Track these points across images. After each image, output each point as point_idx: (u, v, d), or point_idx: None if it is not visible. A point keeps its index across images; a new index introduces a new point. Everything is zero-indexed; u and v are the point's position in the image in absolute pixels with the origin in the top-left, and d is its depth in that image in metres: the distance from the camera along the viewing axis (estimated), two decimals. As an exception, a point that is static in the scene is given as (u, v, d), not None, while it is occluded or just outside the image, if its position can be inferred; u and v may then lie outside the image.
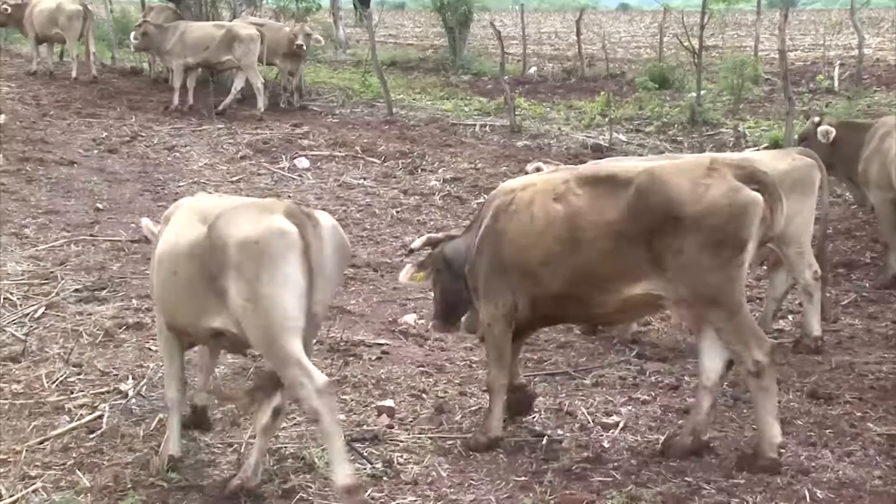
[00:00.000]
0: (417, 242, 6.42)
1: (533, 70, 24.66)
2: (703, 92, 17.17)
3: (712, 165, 5.23)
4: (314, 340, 5.20)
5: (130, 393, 6.35)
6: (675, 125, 16.31)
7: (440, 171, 13.42)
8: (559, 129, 16.48)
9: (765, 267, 9.43)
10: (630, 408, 6.39)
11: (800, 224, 7.02)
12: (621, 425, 6.09)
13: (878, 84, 20.90)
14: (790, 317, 8.31)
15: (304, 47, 17.84)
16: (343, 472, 4.82)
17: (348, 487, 4.81)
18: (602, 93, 18.05)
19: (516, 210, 5.63)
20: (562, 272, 5.45)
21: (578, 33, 24.63)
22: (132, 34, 18.01)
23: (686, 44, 17.70)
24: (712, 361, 5.50)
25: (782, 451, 5.51)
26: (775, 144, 13.16)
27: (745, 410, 6.33)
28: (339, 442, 4.85)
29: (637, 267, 5.28)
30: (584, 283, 5.43)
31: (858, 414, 6.30)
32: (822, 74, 20.57)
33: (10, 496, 5.11)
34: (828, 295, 8.61)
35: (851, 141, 8.86)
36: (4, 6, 19.73)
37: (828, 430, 6.03)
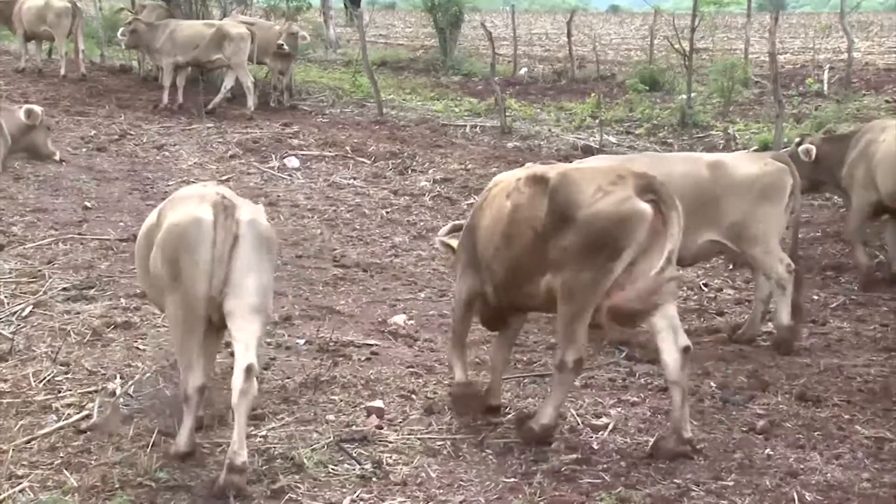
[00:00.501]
0: (444, 230, 6.90)
1: (523, 71, 24.70)
2: (693, 94, 17.21)
3: (621, 173, 5.48)
4: (254, 328, 5.26)
5: (118, 392, 6.31)
6: (666, 127, 16.36)
7: (430, 171, 13.42)
8: (549, 130, 16.51)
9: (730, 267, 9.57)
10: (619, 409, 6.38)
11: (766, 226, 7.26)
12: (610, 427, 6.09)
13: (867, 88, 21.00)
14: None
15: (285, 47, 17.80)
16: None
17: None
18: (592, 94, 18.09)
19: (485, 206, 6.01)
20: (504, 264, 5.79)
21: (569, 35, 24.70)
22: (120, 31, 17.96)
23: (677, 46, 17.75)
24: (669, 355, 5.58)
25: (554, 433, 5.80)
26: (765, 147, 13.21)
27: (734, 412, 6.34)
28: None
29: (548, 260, 5.54)
30: (519, 275, 5.74)
31: (847, 416, 6.31)
32: (812, 78, 20.66)
33: (-3, 495, 5.08)
34: (815, 298, 8.69)
35: (835, 154, 9.13)
36: None
37: (816, 433, 6.04)
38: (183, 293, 5.25)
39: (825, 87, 20.12)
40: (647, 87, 19.38)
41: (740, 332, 7.82)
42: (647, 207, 5.34)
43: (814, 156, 9.09)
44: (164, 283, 5.34)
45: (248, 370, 5.12)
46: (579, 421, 6.18)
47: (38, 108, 9.73)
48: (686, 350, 5.56)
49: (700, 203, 7.11)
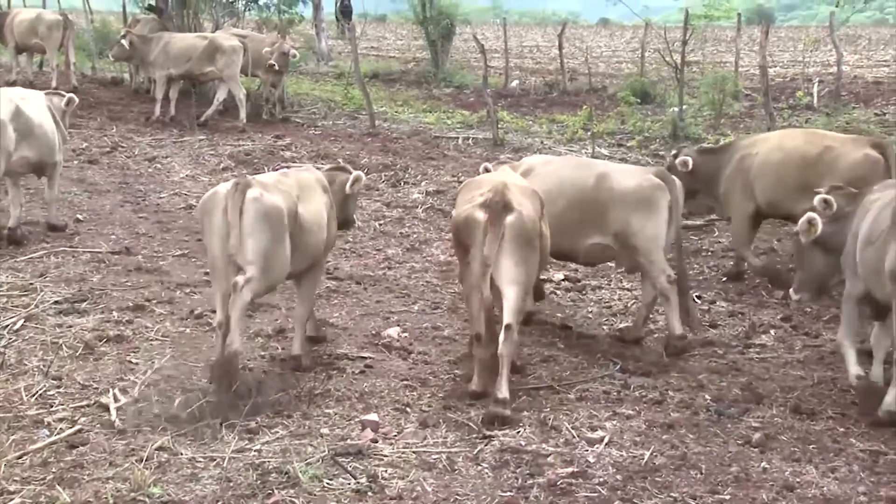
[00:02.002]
0: None
1: (515, 83, 24.76)
2: (684, 107, 17.25)
3: (490, 190, 6.62)
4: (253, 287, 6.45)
5: (112, 406, 6.28)
6: (657, 139, 16.39)
7: (423, 183, 13.41)
8: (542, 142, 16.53)
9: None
10: (615, 422, 6.37)
11: (645, 238, 7.66)
12: (606, 440, 6.07)
13: (856, 101, 21.12)
14: (772, 331, 8.32)
15: (277, 66, 17.82)
16: None
17: None
18: (584, 107, 18.10)
19: None
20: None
21: (560, 47, 24.75)
22: (115, 45, 17.98)
23: (668, 59, 17.79)
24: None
25: None
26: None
27: (729, 425, 6.34)
28: None
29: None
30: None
31: (841, 429, 6.31)
32: (802, 91, 20.72)
33: (-11, 511, 5.05)
34: (808, 310, 8.67)
35: (710, 165, 9.66)
36: None
37: (811, 446, 6.04)
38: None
39: (815, 100, 20.21)
40: (639, 100, 19.41)
41: (625, 331, 8.18)
42: (478, 214, 6.51)
43: (690, 167, 9.43)
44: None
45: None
46: (575, 434, 6.16)
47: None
48: (507, 328, 6.43)
49: (584, 208, 7.75)
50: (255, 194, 6.50)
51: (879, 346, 6.91)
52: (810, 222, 6.91)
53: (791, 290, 7.38)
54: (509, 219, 6.49)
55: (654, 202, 7.67)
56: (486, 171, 8.18)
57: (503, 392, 6.37)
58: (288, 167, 9.78)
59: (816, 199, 7.02)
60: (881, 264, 6.22)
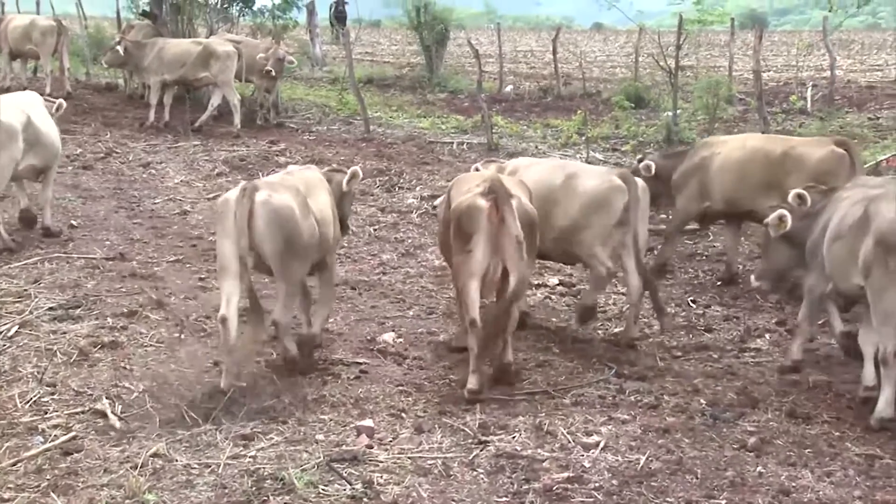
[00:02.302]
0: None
1: (509, 88, 24.77)
2: (678, 111, 17.27)
3: (484, 181, 6.89)
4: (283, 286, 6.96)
5: (109, 414, 6.27)
6: (651, 144, 16.41)
7: (418, 188, 13.41)
8: (536, 147, 16.54)
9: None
10: (610, 427, 6.36)
11: (591, 234, 7.94)
12: (602, 445, 6.06)
13: (849, 105, 21.14)
14: (767, 335, 8.33)
15: (273, 73, 17.82)
16: None
17: None
18: (578, 111, 18.11)
19: None
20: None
21: (555, 52, 24.77)
22: (107, 52, 17.98)
23: (662, 64, 17.81)
24: None
25: None
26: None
27: (724, 429, 6.34)
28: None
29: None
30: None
31: (837, 434, 6.31)
32: (796, 95, 20.76)
33: (-17, 519, 5.03)
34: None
35: (672, 169, 9.95)
36: None
37: (807, 450, 6.04)
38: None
39: (808, 105, 20.23)
40: (633, 104, 19.43)
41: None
42: (481, 203, 6.72)
43: (653, 171, 9.75)
44: None
45: None
46: (570, 439, 6.15)
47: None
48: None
49: (550, 206, 7.91)
50: (264, 197, 6.71)
51: (867, 344, 6.91)
52: (781, 218, 7.24)
53: (752, 276, 7.88)
54: (512, 203, 6.74)
55: (608, 202, 7.93)
56: (477, 171, 8.42)
57: (509, 356, 7.07)
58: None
59: (791, 194, 7.39)
60: (849, 258, 6.46)
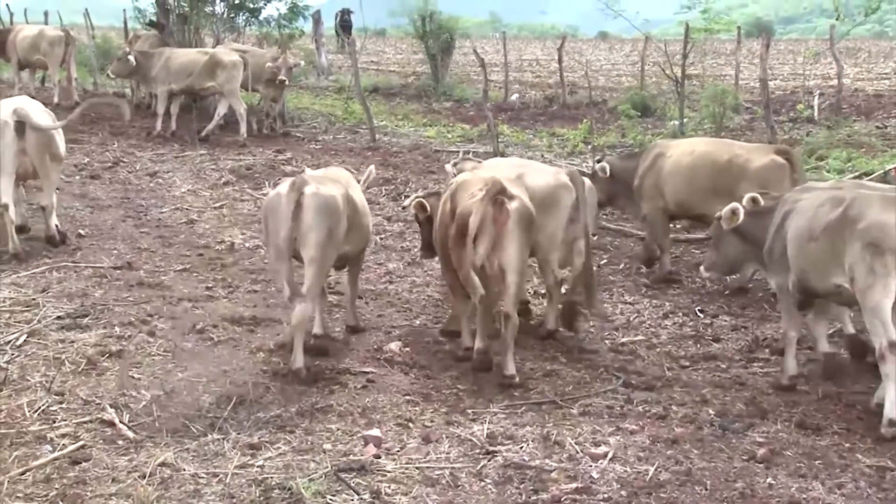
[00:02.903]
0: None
1: (515, 97, 24.79)
2: (685, 120, 17.26)
3: (488, 181, 7.26)
4: (315, 269, 7.36)
5: (117, 422, 6.26)
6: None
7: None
8: (542, 155, 16.52)
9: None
10: (618, 437, 6.34)
11: (545, 235, 8.08)
12: (610, 455, 6.03)
13: (857, 114, 21.12)
14: (775, 345, 8.29)
15: (287, 82, 17.87)
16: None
17: None
18: (584, 120, 18.11)
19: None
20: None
21: (560, 61, 24.77)
22: (117, 61, 18.05)
23: (668, 72, 17.80)
24: None
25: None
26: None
27: (733, 440, 6.31)
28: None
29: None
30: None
31: (847, 445, 6.27)
32: (803, 103, 20.74)
33: (-9, 528, 5.03)
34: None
35: (627, 170, 10.32)
36: None
37: (817, 462, 6.00)
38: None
39: (815, 113, 20.22)
40: (639, 113, 19.41)
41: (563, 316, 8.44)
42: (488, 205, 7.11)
43: (609, 172, 10.17)
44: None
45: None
46: (578, 449, 6.13)
47: None
48: (507, 317, 7.37)
49: None
50: (313, 189, 7.30)
51: (819, 326, 7.58)
52: (734, 211, 7.71)
53: (702, 267, 8.39)
54: (514, 205, 7.19)
55: (556, 200, 8.17)
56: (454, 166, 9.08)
57: (510, 369, 7.30)
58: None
59: (746, 198, 7.85)
60: (828, 259, 6.67)
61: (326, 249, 7.39)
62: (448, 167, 9.35)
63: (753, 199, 7.78)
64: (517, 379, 7.21)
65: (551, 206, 8.09)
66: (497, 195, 7.15)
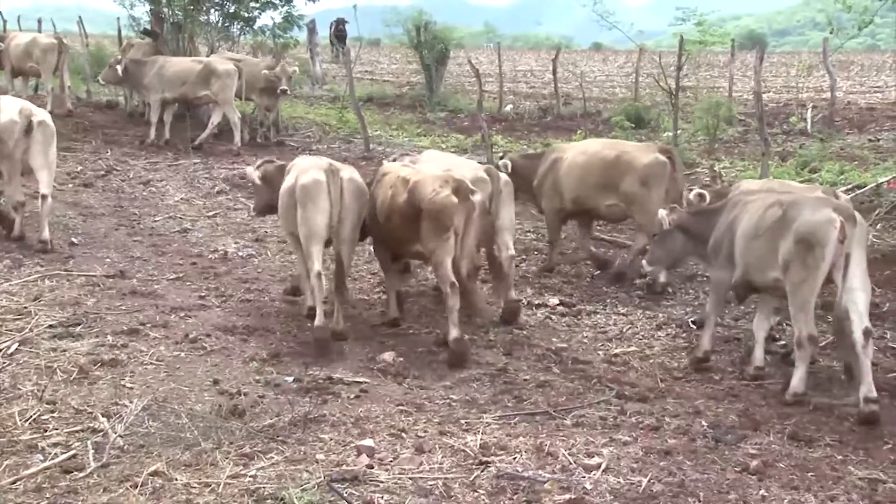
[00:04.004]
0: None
1: (509, 108, 24.81)
2: (678, 131, 17.28)
3: (448, 178, 8.11)
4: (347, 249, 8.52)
5: (109, 432, 6.23)
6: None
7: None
8: (536, 166, 16.50)
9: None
10: (611, 449, 6.33)
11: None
12: (603, 466, 6.02)
13: (850, 126, 21.17)
14: (768, 357, 8.29)
15: (288, 92, 17.91)
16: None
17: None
18: (578, 131, 18.12)
19: (377, 189, 8.76)
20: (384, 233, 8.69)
21: (555, 71, 24.81)
22: (105, 71, 18.04)
23: (662, 84, 17.83)
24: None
25: None
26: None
27: (726, 452, 6.31)
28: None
29: (415, 233, 8.19)
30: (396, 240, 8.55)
31: (839, 457, 6.29)
32: (796, 116, 20.80)
33: (-18, 537, 5.00)
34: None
35: (528, 167, 11.07)
36: None
37: (810, 474, 6.01)
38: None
39: (809, 126, 20.27)
40: (633, 124, 19.46)
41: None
42: (453, 198, 7.96)
43: (510, 168, 10.66)
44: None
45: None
46: (571, 461, 6.12)
47: None
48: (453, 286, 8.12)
49: None
50: (349, 174, 8.47)
51: (760, 329, 7.99)
52: (700, 196, 8.68)
53: (644, 261, 9.07)
54: (477, 198, 8.25)
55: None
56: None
57: (455, 333, 8.02)
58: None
59: (692, 194, 8.95)
60: (768, 254, 7.34)
61: (357, 228, 8.52)
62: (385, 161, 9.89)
63: (700, 196, 8.55)
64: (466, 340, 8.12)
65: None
66: (466, 191, 8.06)
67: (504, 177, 9.45)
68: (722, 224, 7.93)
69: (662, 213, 8.46)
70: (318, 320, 8.18)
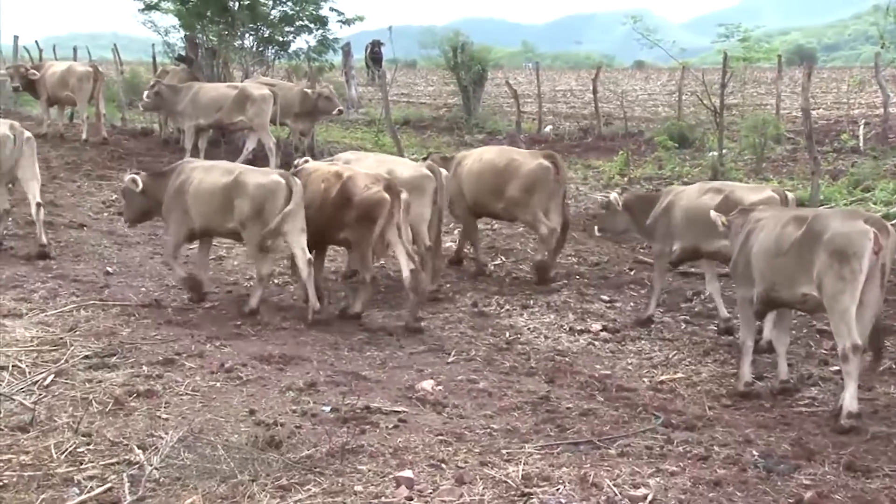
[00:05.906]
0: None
1: (549, 129, 24.67)
2: (724, 151, 17.02)
3: (378, 177, 9.58)
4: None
5: (145, 464, 6.12)
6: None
7: (455, 231, 13.26)
8: (577, 188, 16.37)
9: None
10: (658, 479, 6.11)
11: (416, 215, 10.20)
12: (650, 498, 5.81)
13: (903, 143, 20.68)
14: (821, 383, 8.06)
15: (342, 111, 18.04)
16: None
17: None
18: (620, 152, 17.92)
19: (309, 184, 9.93)
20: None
21: (595, 91, 24.62)
22: (145, 94, 18.07)
23: (706, 102, 17.59)
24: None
25: None
26: (801, 205, 12.98)
27: (778, 483, 6.08)
28: None
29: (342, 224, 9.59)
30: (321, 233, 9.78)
31: (899, 488, 6.04)
32: (847, 133, 20.35)
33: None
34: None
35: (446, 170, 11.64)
36: (32, 72, 19.78)
37: (868, 506, 5.77)
38: None
39: (861, 143, 19.78)
40: (677, 144, 19.23)
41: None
42: (385, 195, 9.39)
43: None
44: None
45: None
46: (616, 492, 5.91)
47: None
48: (414, 272, 9.71)
49: None
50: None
51: (780, 343, 8.04)
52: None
53: (595, 227, 11.09)
54: (403, 196, 9.54)
55: (423, 188, 10.41)
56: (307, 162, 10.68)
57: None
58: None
59: (613, 195, 10.69)
60: (797, 270, 7.34)
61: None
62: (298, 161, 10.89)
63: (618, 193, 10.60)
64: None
65: (420, 192, 10.24)
66: (396, 190, 9.42)
67: (445, 172, 10.78)
68: (738, 243, 7.98)
69: (614, 195, 10.41)
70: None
